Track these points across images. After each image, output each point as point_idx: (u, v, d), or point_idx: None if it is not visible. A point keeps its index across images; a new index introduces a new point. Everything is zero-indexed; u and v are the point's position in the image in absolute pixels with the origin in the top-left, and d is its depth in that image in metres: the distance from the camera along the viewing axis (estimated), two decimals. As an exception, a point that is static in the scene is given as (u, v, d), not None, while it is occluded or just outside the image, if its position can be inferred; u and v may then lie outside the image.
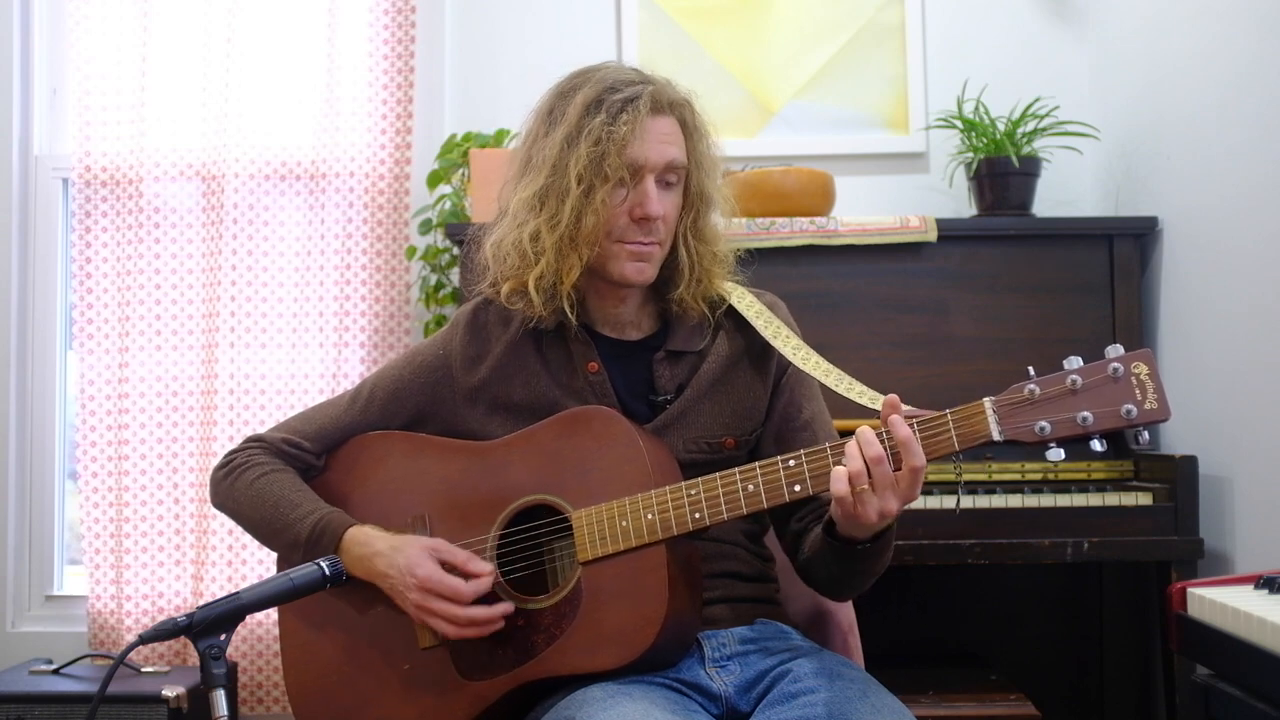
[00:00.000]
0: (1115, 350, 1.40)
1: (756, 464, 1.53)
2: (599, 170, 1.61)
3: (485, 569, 1.60)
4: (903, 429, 1.42)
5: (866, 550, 1.54)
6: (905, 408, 1.46)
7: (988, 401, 1.43)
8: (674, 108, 1.66)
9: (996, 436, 1.41)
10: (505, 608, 1.59)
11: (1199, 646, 1.66)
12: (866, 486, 1.42)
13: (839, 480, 1.43)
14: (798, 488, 1.51)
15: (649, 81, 1.67)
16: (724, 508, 1.53)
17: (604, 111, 1.61)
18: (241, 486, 1.75)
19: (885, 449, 1.43)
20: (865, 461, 1.42)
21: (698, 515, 1.53)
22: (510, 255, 1.67)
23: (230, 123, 3.06)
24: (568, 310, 1.67)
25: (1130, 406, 1.38)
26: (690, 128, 1.68)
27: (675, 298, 1.71)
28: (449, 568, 1.60)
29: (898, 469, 1.43)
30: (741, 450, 1.72)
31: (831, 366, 1.68)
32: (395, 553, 1.62)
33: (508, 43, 3.17)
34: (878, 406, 1.59)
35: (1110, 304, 2.67)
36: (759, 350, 1.74)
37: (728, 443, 1.70)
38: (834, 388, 1.66)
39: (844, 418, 1.81)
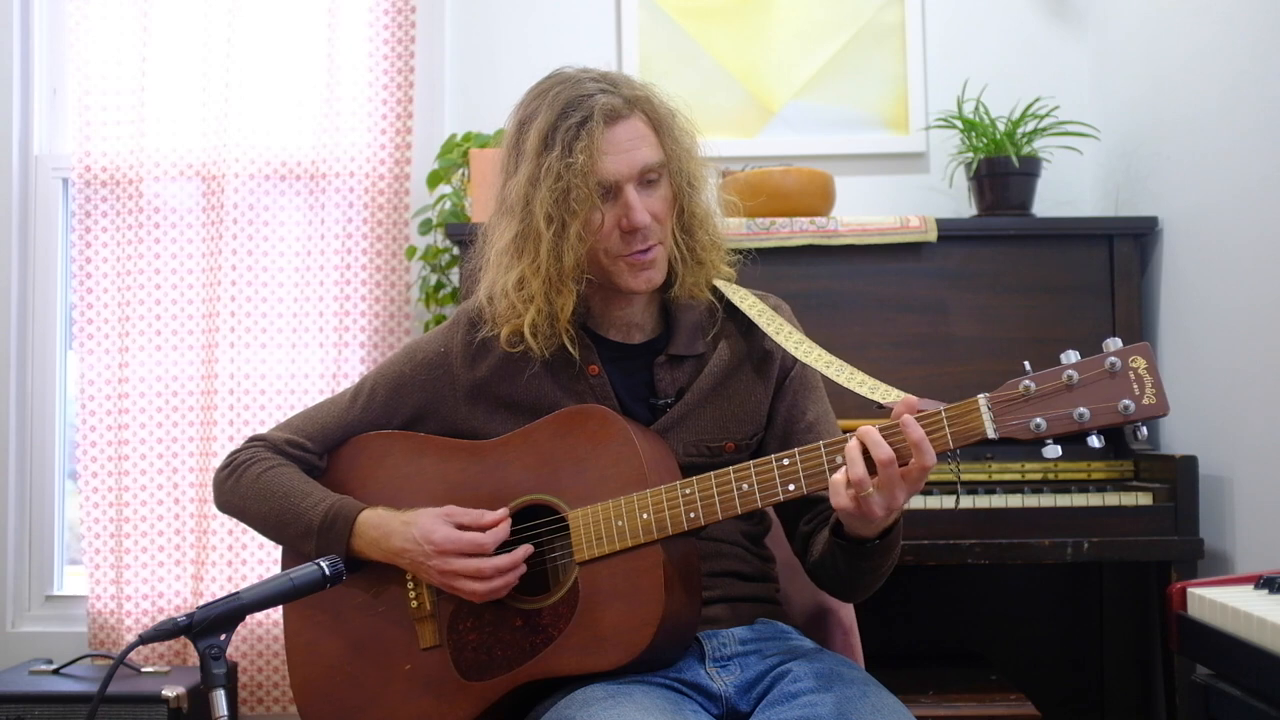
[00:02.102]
0: (1113, 344, 1.38)
1: (751, 463, 1.53)
2: (566, 206, 1.58)
3: (499, 515, 1.61)
4: (915, 430, 1.41)
5: (875, 548, 1.54)
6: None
7: (982, 398, 1.42)
8: (633, 105, 1.63)
9: (991, 434, 1.40)
10: (525, 550, 1.60)
11: (1199, 646, 1.66)
12: (871, 490, 1.42)
13: (837, 493, 1.43)
14: (792, 486, 1.50)
15: (604, 88, 1.62)
16: (719, 507, 1.53)
17: (559, 144, 1.58)
18: (247, 482, 1.75)
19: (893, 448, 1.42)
20: (875, 464, 1.41)
21: (693, 515, 1.53)
22: (501, 302, 1.66)
23: (230, 123, 3.06)
24: (569, 345, 1.66)
25: (1128, 402, 1.36)
26: (656, 120, 1.65)
27: (676, 291, 1.70)
28: (463, 528, 1.61)
29: (903, 464, 1.42)
30: (742, 454, 1.71)
31: (833, 358, 1.67)
32: (409, 526, 1.63)
33: (508, 43, 3.17)
34: (877, 397, 1.58)
35: (1110, 304, 2.67)
36: (761, 354, 1.74)
37: (727, 447, 1.70)
38: (836, 378, 1.64)
39: (845, 418, 1.81)
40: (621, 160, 1.60)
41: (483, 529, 1.61)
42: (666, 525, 1.53)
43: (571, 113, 1.59)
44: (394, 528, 1.64)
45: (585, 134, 1.57)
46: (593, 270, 1.65)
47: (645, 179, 1.63)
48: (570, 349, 1.67)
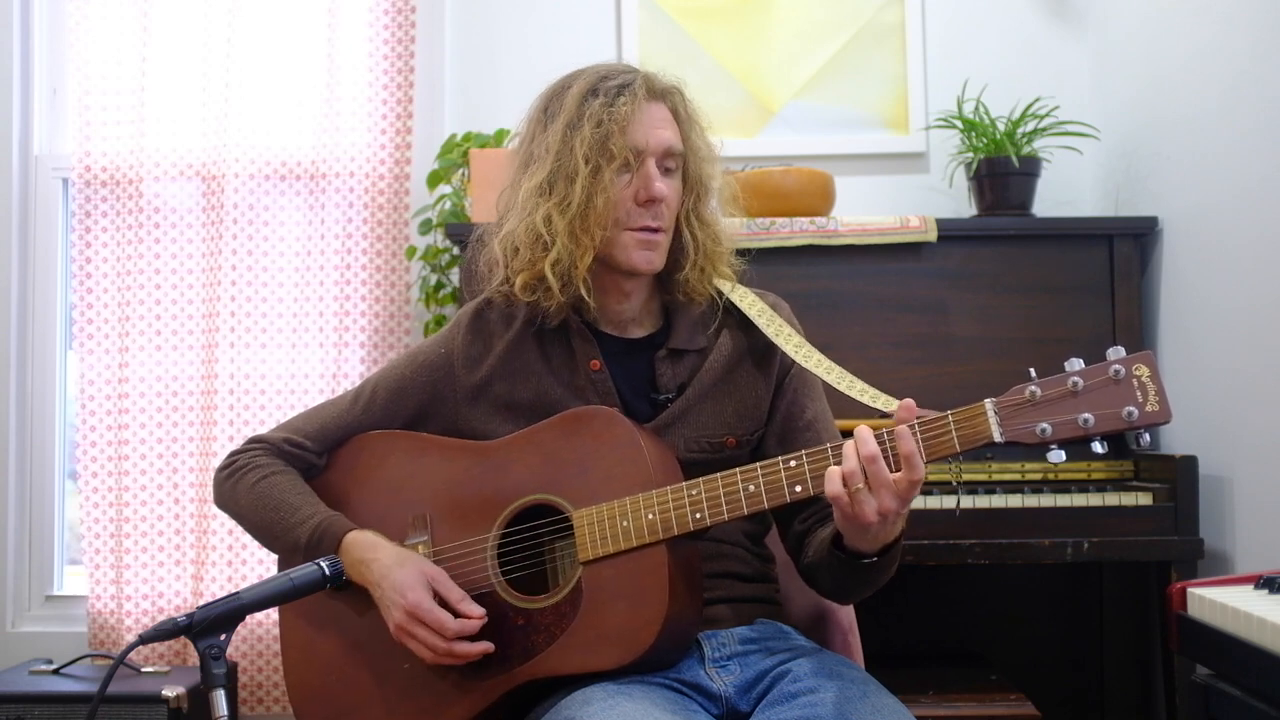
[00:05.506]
0: (1116, 352, 1.40)
1: (758, 464, 1.53)
2: (604, 149, 1.62)
3: (476, 612, 1.59)
4: (907, 442, 1.41)
5: (871, 565, 1.54)
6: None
7: (989, 403, 1.43)
8: (665, 95, 1.69)
9: (998, 438, 1.41)
10: (484, 647, 1.59)
11: (1199, 646, 1.66)
12: (862, 486, 1.42)
13: (832, 480, 1.43)
14: (799, 488, 1.50)
15: (640, 71, 1.70)
16: (724, 508, 1.53)
17: (602, 95, 1.64)
18: (243, 489, 1.75)
19: (885, 448, 1.42)
20: (860, 461, 1.42)
21: (698, 515, 1.53)
22: (523, 244, 1.66)
23: (230, 123, 3.06)
24: (585, 294, 1.66)
25: (1131, 409, 1.38)
26: (682, 115, 1.70)
27: (681, 279, 1.71)
28: (442, 602, 1.60)
29: (897, 470, 1.43)
30: (743, 450, 1.72)
31: (834, 364, 1.68)
32: (392, 568, 1.62)
33: (508, 43, 3.17)
34: (879, 405, 1.60)
35: (1110, 304, 2.67)
36: (761, 349, 1.74)
37: (729, 442, 1.70)
38: (836, 385, 1.66)
39: (845, 417, 1.81)
40: (652, 133, 1.65)
41: (458, 612, 1.59)
42: (672, 526, 1.53)
43: (614, 76, 1.67)
44: (377, 558, 1.63)
45: (628, 93, 1.64)
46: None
47: (665, 164, 1.67)
48: (586, 297, 1.67)
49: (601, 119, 1.62)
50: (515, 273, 1.69)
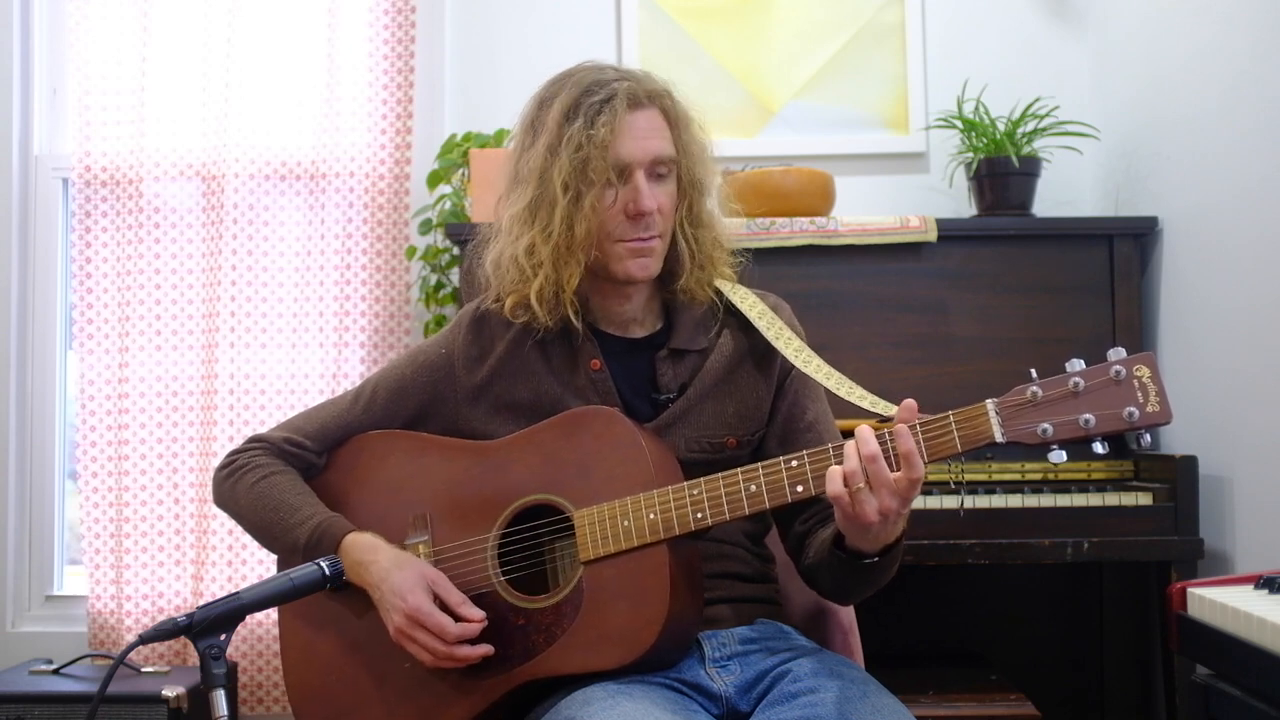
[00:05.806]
0: (1117, 353, 1.40)
1: (759, 464, 1.53)
2: (584, 176, 1.61)
3: (476, 615, 1.59)
4: (906, 441, 1.42)
5: (873, 565, 1.54)
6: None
7: (990, 403, 1.43)
8: (653, 99, 1.66)
9: (999, 438, 1.42)
10: (485, 650, 1.59)
11: (1199, 646, 1.66)
12: (863, 485, 1.42)
13: (833, 480, 1.43)
14: (800, 488, 1.51)
15: (626, 77, 1.66)
16: (726, 508, 1.53)
17: (582, 116, 1.61)
18: (243, 489, 1.75)
19: (886, 448, 1.42)
20: (861, 460, 1.42)
21: (699, 515, 1.53)
22: (509, 270, 1.67)
23: (230, 123, 3.06)
24: (572, 317, 1.67)
25: (1132, 409, 1.38)
26: (673, 117, 1.68)
27: (680, 287, 1.71)
28: (441, 605, 1.60)
29: (897, 469, 1.43)
30: (744, 450, 1.71)
31: (832, 370, 1.68)
32: (392, 570, 1.61)
33: (508, 43, 3.17)
34: (879, 410, 1.60)
35: (1110, 304, 2.67)
36: (762, 350, 1.74)
37: (730, 442, 1.70)
38: (835, 390, 1.66)
39: (846, 418, 1.81)
40: (637, 145, 1.63)
41: (459, 616, 1.59)
42: (674, 525, 1.53)
43: (596, 91, 1.63)
44: (377, 559, 1.63)
45: (608, 110, 1.61)
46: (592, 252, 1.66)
47: (656, 171, 1.65)
48: (574, 320, 1.67)
49: (580, 143, 1.60)
50: (504, 294, 1.70)
